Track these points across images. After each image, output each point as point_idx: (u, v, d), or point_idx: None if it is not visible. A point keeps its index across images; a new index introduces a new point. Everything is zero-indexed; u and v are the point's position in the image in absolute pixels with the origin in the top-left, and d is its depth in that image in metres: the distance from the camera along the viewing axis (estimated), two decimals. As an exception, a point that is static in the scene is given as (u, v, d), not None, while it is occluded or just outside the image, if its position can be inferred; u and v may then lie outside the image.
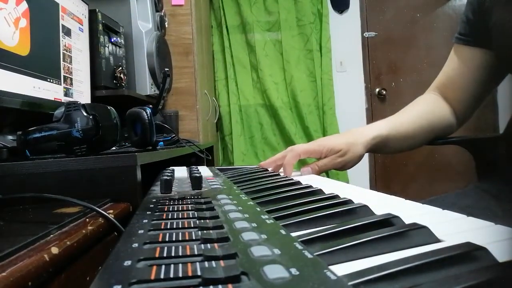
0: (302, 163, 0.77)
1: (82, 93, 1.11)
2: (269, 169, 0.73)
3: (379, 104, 2.93)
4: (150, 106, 0.82)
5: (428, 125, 0.78)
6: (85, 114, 0.62)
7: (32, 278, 0.27)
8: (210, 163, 1.36)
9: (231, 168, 0.81)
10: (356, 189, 0.48)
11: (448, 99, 0.81)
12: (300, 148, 0.71)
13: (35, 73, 0.85)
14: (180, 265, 0.20)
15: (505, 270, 0.20)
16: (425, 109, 0.80)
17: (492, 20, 0.68)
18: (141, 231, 0.27)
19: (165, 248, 0.23)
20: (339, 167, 0.73)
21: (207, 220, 0.29)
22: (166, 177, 0.45)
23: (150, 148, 0.83)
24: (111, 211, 0.46)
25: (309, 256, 0.21)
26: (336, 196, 0.40)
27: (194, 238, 0.25)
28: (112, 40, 1.37)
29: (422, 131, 0.78)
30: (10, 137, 0.81)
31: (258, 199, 0.41)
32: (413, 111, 0.81)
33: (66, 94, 1.00)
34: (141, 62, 1.55)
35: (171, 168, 0.69)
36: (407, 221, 0.28)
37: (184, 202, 0.37)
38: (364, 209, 0.33)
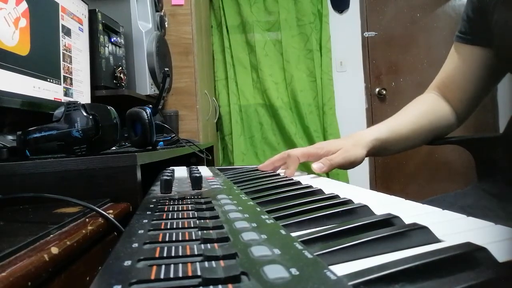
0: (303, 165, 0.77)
1: (82, 93, 1.11)
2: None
3: (379, 104, 2.93)
4: (150, 106, 0.82)
5: (428, 125, 0.78)
6: (85, 114, 0.62)
7: (32, 278, 0.27)
8: (210, 163, 1.36)
9: (231, 168, 0.81)
10: (356, 189, 0.48)
11: (447, 98, 0.80)
12: (298, 151, 0.70)
13: (35, 73, 0.85)
14: (180, 265, 0.20)
15: (505, 270, 0.20)
16: (424, 109, 0.80)
17: (493, 19, 0.68)
18: (141, 231, 0.27)
19: (165, 248, 0.23)
20: (347, 163, 0.69)
21: (207, 220, 0.29)
22: (166, 177, 0.45)
23: (150, 148, 0.83)
24: (111, 211, 0.46)
25: (309, 256, 0.21)
26: (336, 196, 0.40)
27: (194, 238, 0.25)
28: (112, 40, 1.37)
29: (422, 132, 0.78)
30: (10, 137, 0.80)
31: (258, 199, 0.41)
32: (413, 111, 0.80)
33: (66, 94, 1.00)
34: (141, 62, 1.55)
35: (171, 168, 0.69)
36: (407, 221, 0.28)
37: (184, 202, 0.37)
38: (364, 209, 0.33)
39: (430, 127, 0.78)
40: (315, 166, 0.65)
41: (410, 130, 0.77)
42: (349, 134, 0.77)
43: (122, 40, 1.46)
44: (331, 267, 0.19)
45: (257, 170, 0.73)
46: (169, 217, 0.31)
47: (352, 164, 0.70)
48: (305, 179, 0.59)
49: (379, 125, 0.78)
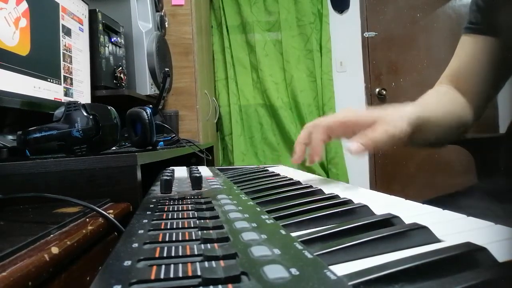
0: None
1: (82, 93, 1.11)
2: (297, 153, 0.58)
3: (379, 104, 2.93)
4: (150, 106, 0.82)
5: (458, 112, 0.71)
6: (85, 114, 0.62)
7: (32, 278, 0.27)
8: (210, 163, 1.36)
9: (231, 168, 0.81)
10: (356, 189, 0.48)
11: (461, 92, 0.75)
12: (324, 121, 0.55)
13: (35, 73, 0.85)
14: (180, 265, 0.20)
15: (505, 270, 0.20)
16: (451, 98, 0.73)
17: (500, 12, 0.66)
18: (141, 231, 0.27)
19: (165, 248, 0.23)
20: (390, 140, 0.51)
21: (207, 220, 0.29)
22: (166, 177, 0.45)
23: (150, 148, 0.83)
24: (111, 211, 0.46)
25: (309, 256, 0.21)
26: (336, 196, 0.40)
27: (194, 238, 0.25)
28: (112, 40, 1.37)
29: (454, 120, 0.69)
30: (10, 137, 0.80)
31: (258, 199, 0.41)
32: (441, 97, 0.72)
33: (66, 94, 1.00)
34: (141, 62, 1.55)
35: (171, 168, 0.69)
36: (407, 221, 0.28)
37: (184, 202, 0.37)
38: (364, 209, 0.33)
39: (460, 118, 0.71)
40: (354, 147, 0.48)
41: (446, 115, 0.67)
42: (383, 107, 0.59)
43: (122, 40, 1.46)
44: (331, 267, 0.19)
45: (257, 170, 0.72)
46: (169, 217, 0.31)
47: (395, 140, 0.52)
48: (305, 180, 0.59)
49: (413, 104, 0.63)
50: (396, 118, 0.53)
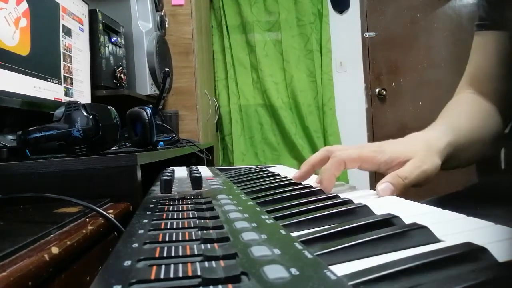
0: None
1: (82, 93, 1.11)
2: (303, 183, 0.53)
3: (379, 104, 2.93)
4: (150, 106, 0.82)
5: (489, 125, 0.67)
6: (85, 114, 0.62)
7: (32, 278, 0.27)
8: (210, 163, 1.36)
9: (231, 168, 0.81)
10: (356, 189, 0.48)
11: (485, 94, 0.70)
12: (345, 153, 0.49)
13: (35, 73, 0.85)
14: (180, 265, 0.20)
15: (505, 270, 0.20)
16: (477, 108, 0.68)
17: (507, 8, 0.65)
18: (141, 231, 0.27)
19: (165, 248, 0.23)
20: (422, 180, 0.48)
21: (207, 220, 0.29)
22: (166, 177, 0.45)
23: (150, 148, 0.83)
24: (111, 211, 0.46)
25: (309, 256, 0.21)
26: (336, 196, 0.40)
27: (194, 238, 0.25)
28: (112, 40, 1.37)
29: (487, 136, 0.66)
30: (10, 137, 0.80)
31: (258, 199, 0.41)
32: (468, 112, 0.67)
33: (66, 94, 1.00)
34: (141, 62, 1.55)
35: (171, 168, 0.69)
36: (407, 221, 0.28)
37: (184, 202, 0.37)
38: (364, 209, 0.33)
39: (492, 130, 0.67)
40: (382, 187, 0.44)
41: (479, 133, 0.63)
42: (409, 136, 0.56)
43: (122, 40, 1.46)
44: (331, 267, 0.19)
45: (257, 170, 0.72)
46: (169, 217, 0.31)
47: (428, 181, 0.49)
48: (305, 180, 0.58)
49: (439, 126, 0.60)
50: (429, 155, 0.50)
